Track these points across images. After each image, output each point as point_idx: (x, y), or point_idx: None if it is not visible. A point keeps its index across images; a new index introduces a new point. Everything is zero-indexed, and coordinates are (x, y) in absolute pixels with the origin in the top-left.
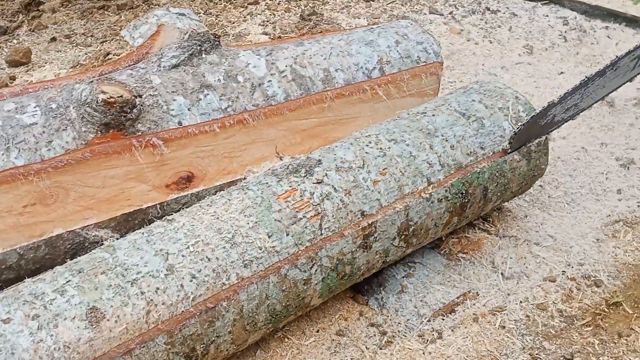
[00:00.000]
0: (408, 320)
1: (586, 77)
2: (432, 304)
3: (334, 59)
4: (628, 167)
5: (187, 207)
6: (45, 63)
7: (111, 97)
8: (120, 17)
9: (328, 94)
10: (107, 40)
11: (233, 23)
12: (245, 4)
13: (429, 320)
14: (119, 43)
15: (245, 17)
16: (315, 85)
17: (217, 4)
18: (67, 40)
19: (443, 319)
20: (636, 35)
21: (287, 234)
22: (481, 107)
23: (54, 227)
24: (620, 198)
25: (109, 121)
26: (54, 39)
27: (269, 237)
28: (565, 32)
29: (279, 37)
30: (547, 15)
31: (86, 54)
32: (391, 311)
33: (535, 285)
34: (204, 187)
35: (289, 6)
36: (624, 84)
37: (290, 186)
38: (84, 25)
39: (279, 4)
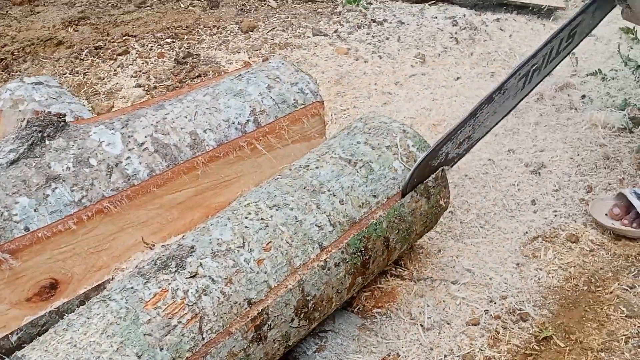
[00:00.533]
0: None
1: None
2: None
3: (201, 118)
4: (539, 173)
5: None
6: None
7: None
8: None
9: (199, 159)
10: None
11: (103, 79)
12: (114, 56)
13: None
14: None
15: (115, 71)
16: (182, 152)
17: (83, 60)
18: None
19: None
20: (528, 22)
21: (161, 349)
22: (367, 150)
23: None
24: (535, 210)
25: None
26: None
27: (139, 357)
28: (456, 33)
29: (155, 87)
30: (436, 17)
31: None
32: None
33: (458, 332)
34: (74, 290)
35: (162, 51)
36: (517, 105)
37: (159, 287)
38: None
39: (151, 49)
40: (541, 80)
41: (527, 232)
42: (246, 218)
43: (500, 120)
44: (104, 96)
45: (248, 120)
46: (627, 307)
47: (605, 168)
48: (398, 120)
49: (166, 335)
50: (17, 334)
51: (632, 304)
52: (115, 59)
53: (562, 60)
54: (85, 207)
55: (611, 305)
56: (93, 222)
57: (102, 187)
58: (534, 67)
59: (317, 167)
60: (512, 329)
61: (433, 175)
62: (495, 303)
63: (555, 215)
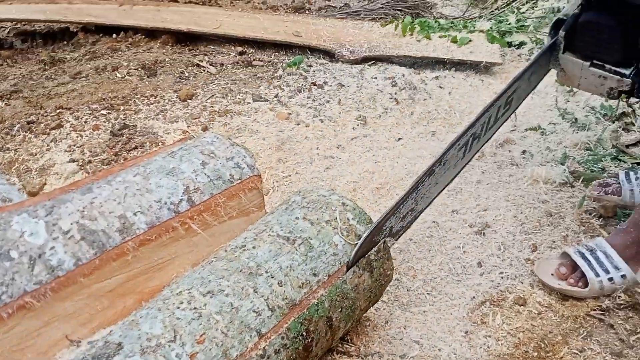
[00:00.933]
0: None
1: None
2: None
3: (131, 200)
4: (483, 233)
5: None
6: None
7: None
8: None
9: (129, 244)
10: None
11: (35, 155)
12: (48, 130)
13: None
14: None
15: (48, 145)
16: (111, 238)
17: (14, 136)
18: None
19: None
20: (467, 78)
21: None
22: (306, 225)
23: None
24: (482, 272)
25: None
26: None
27: None
28: (396, 93)
29: (89, 161)
30: (376, 78)
31: None
32: None
33: None
34: None
35: (98, 123)
36: (458, 173)
37: None
38: None
39: (86, 122)
40: (481, 147)
41: (474, 297)
42: (178, 308)
43: (442, 190)
44: (36, 173)
45: (181, 200)
46: None
47: (548, 225)
48: (337, 193)
49: None
50: None
51: None
52: (49, 134)
53: (501, 126)
54: (5, 304)
55: None
56: (14, 319)
57: (23, 282)
58: (473, 136)
59: (254, 247)
60: None
61: (375, 248)
62: None
63: (502, 277)
